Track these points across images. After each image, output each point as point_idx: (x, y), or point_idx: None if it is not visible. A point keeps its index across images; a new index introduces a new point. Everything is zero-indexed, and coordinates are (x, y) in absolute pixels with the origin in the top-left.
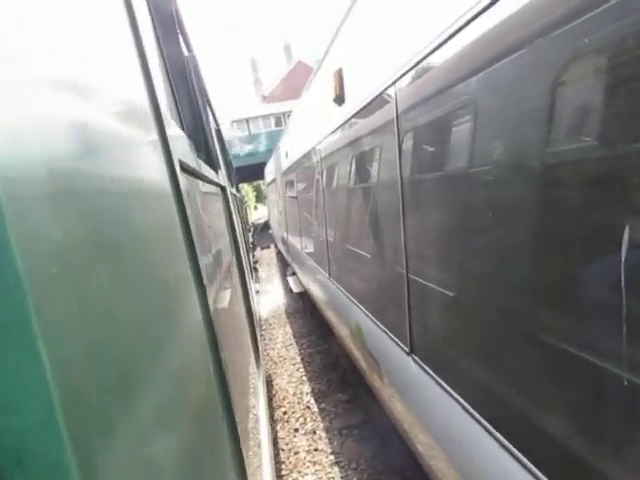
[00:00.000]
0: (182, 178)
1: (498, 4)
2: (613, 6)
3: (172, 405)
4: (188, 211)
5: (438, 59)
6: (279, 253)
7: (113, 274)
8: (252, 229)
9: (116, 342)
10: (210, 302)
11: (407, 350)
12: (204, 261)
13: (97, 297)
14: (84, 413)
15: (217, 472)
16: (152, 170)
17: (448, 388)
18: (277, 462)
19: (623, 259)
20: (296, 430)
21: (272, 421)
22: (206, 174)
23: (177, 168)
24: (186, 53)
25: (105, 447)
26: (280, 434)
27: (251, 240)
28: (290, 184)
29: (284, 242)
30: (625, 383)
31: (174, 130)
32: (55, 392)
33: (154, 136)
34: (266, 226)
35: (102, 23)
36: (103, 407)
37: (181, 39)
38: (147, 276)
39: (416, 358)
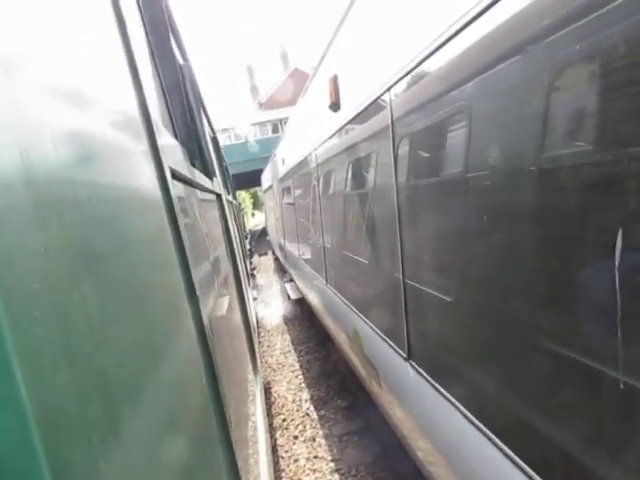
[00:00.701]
0: (173, 186)
1: (490, 11)
2: (600, 15)
3: (163, 418)
4: (179, 220)
5: (432, 65)
6: (276, 260)
7: (101, 284)
8: (249, 236)
9: (103, 354)
10: (203, 311)
11: (405, 356)
12: (198, 270)
13: (83, 308)
14: (64, 431)
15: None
16: (142, 178)
17: (446, 393)
18: (277, 470)
19: (617, 263)
20: (295, 437)
21: (271, 429)
22: (200, 182)
23: (168, 176)
24: (181, 61)
25: (93, 462)
26: (280, 441)
27: (248, 247)
28: (287, 191)
29: (281, 249)
30: (621, 387)
31: (166, 138)
32: (31, 409)
33: (144, 144)
34: (263, 233)
35: (92, 31)
36: (86, 422)
37: (175, 48)
38: (136, 286)
39: (413, 364)
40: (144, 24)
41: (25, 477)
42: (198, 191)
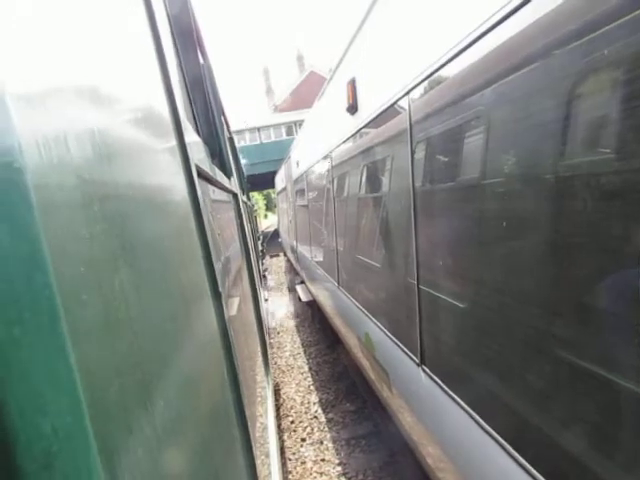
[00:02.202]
0: (199, 184)
1: (510, 20)
2: (619, 25)
3: (188, 410)
4: (204, 216)
5: (452, 71)
6: (288, 261)
7: (134, 279)
8: (262, 237)
9: (137, 346)
10: (225, 309)
11: (417, 361)
12: (219, 270)
13: (119, 302)
14: (108, 417)
15: (231, 478)
16: (170, 175)
17: (459, 400)
18: (284, 472)
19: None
20: (303, 440)
21: (279, 430)
22: (220, 180)
23: (194, 174)
24: (202, 61)
25: (126, 451)
26: (287, 443)
27: (260, 248)
28: (300, 193)
29: (293, 251)
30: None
31: (191, 136)
32: (83, 395)
33: (173, 141)
34: (275, 234)
35: (126, 33)
36: (125, 411)
37: (198, 48)
38: (165, 281)
39: (426, 369)
40: (170, 24)
41: (78, 462)
42: (218, 189)
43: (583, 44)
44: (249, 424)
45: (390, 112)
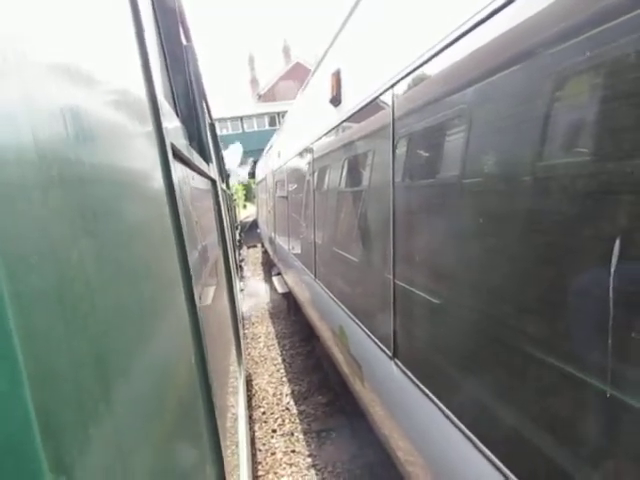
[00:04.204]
0: (174, 165)
1: (494, 19)
2: (602, 30)
3: (153, 399)
4: (178, 199)
5: (436, 67)
6: (265, 252)
7: (99, 262)
8: (240, 227)
9: (99, 331)
10: (196, 297)
11: (390, 354)
12: (192, 254)
13: (81, 285)
14: (64, 405)
15: (196, 468)
16: (143, 154)
17: (429, 394)
18: (254, 462)
19: (612, 272)
20: (274, 431)
21: (250, 421)
22: (197, 164)
23: (169, 154)
24: (185, 42)
25: (81, 440)
26: (258, 434)
27: (238, 238)
28: (281, 184)
29: (271, 242)
30: (607, 396)
31: (169, 116)
32: (31, 383)
33: (148, 119)
34: (254, 225)
35: (102, 6)
36: (83, 398)
37: (181, 28)
38: (133, 265)
39: (398, 362)
40: (153, 2)
41: (12, 426)
42: (195, 174)
43: (566, 47)
44: (217, 414)
45: (374, 106)
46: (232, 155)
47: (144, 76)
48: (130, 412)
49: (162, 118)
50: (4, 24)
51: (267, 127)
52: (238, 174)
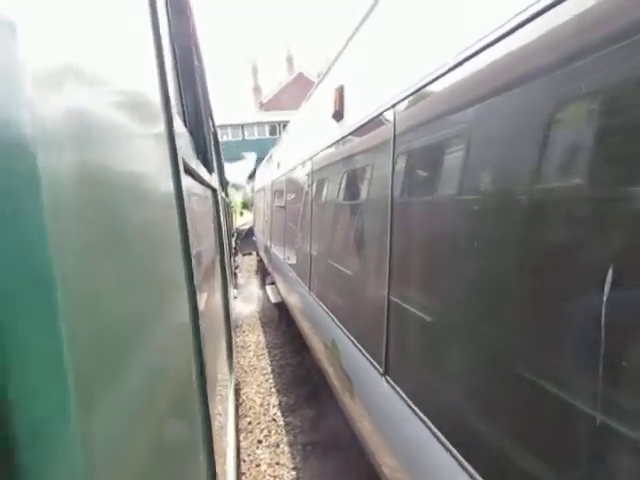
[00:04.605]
0: (184, 178)
1: (496, 46)
2: (596, 58)
3: (150, 403)
4: (187, 211)
5: (438, 88)
6: (260, 261)
7: (111, 268)
8: (236, 234)
9: (109, 336)
10: (198, 305)
11: (381, 371)
12: (195, 263)
13: (91, 287)
14: (91, 404)
15: (188, 475)
16: (156, 166)
17: (419, 412)
18: (238, 473)
19: (604, 300)
20: (259, 442)
21: (236, 430)
22: (202, 174)
23: (181, 167)
24: (196, 63)
25: (72, 443)
26: (243, 444)
27: (234, 245)
28: (279, 193)
29: (267, 251)
30: (597, 424)
31: (180, 128)
32: (71, 382)
33: (162, 131)
34: (250, 233)
35: (124, 16)
36: (75, 399)
37: (194, 49)
38: (140, 270)
39: (389, 379)
40: (168, 13)
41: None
42: (199, 184)
43: (563, 75)
44: (212, 422)
45: (375, 122)
46: (246, 165)
47: (162, 96)
48: (125, 414)
49: (176, 136)
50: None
51: (267, 136)
52: (246, 187)
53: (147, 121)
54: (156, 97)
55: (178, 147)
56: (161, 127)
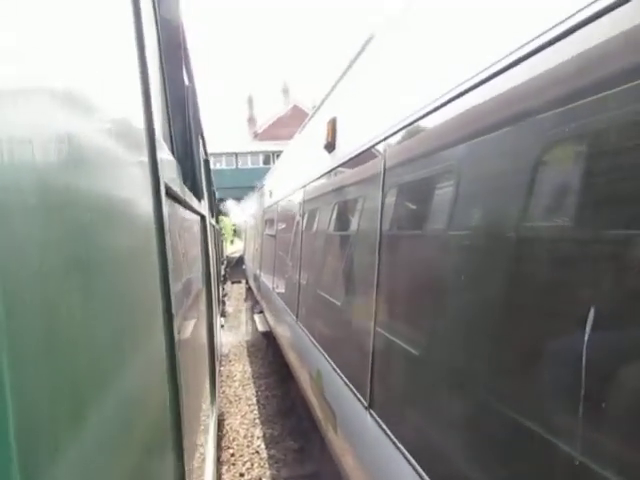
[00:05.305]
0: (166, 202)
1: (484, 86)
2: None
3: (121, 430)
4: (167, 236)
5: (428, 124)
6: (249, 289)
7: (81, 289)
8: (226, 262)
9: (74, 359)
10: (175, 332)
11: (365, 404)
12: (175, 289)
13: (66, 303)
14: (33, 431)
15: None
16: (137, 190)
17: (402, 448)
18: None
19: (586, 339)
20: (242, 475)
21: (218, 462)
22: (189, 201)
23: (162, 192)
24: (187, 82)
25: (48, 472)
26: (224, 477)
27: (223, 273)
28: (270, 222)
29: (256, 279)
30: (577, 464)
31: (164, 154)
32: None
33: (144, 157)
34: (240, 261)
35: (110, 41)
36: (53, 427)
37: (184, 68)
38: (116, 296)
39: (373, 413)
40: (159, 39)
41: None
42: (186, 210)
43: (549, 117)
44: (186, 453)
45: (367, 155)
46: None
47: (145, 115)
48: (97, 443)
49: (158, 156)
50: (17, 49)
51: (261, 165)
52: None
53: (128, 147)
54: (139, 124)
55: (160, 172)
56: (143, 153)
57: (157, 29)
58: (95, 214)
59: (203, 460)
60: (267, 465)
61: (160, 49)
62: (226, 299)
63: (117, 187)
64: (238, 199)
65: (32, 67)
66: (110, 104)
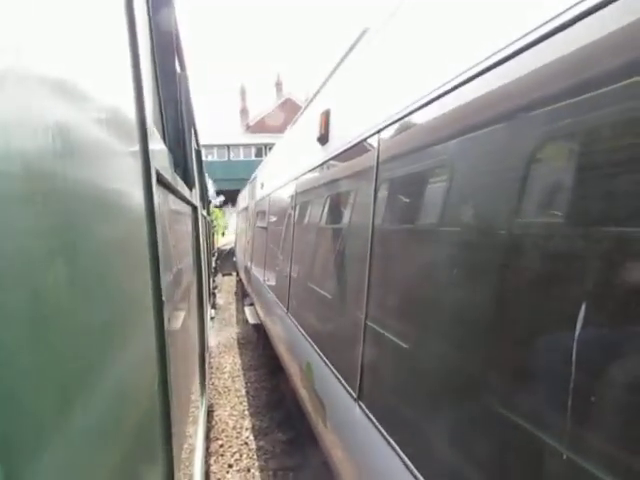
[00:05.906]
0: (157, 190)
1: (480, 79)
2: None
3: (108, 419)
4: (158, 223)
5: (421, 117)
6: (240, 282)
7: (70, 278)
8: (217, 254)
9: (60, 348)
10: (165, 322)
11: (354, 396)
12: (165, 279)
13: (54, 291)
14: (17, 420)
15: None
16: (127, 177)
17: (391, 440)
18: None
19: (576, 335)
20: (230, 466)
21: (207, 453)
22: (180, 190)
23: (154, 179)
24: (179, 70)
25: (34, 462)
26: (213, 468)
27: (214, 265)
28: (261, 215)
29: (247, 271)
30: (564, 458)
31: (156, 141)
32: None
33: (135, 144)
34: (231, 253)
35: (101, 29)
36: (37, 416)
37: (176, 55)
38: (105, 284)
39: (362, 405)
40: (150, 27)
41: None
42: (177, 198)
43: (542, 112)
44: (175, 444)
45: (360, 147)
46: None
47: (136, 101)
48: (85, 434)
49: (149, 143)
50: (7, 40)
51: (253, 157)
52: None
53: (119, 133)
54: (130, 110)
55: (151, 159)
56: (134, 139)
57: (149, 16)
58: (84, 201)
59: (192, 451)
60: (256, 456)
61: (152, 36)
62: (217, 291)
63: (107, 174)
64: (230, 191)
65: (22, 56)
66: (100, 91)
